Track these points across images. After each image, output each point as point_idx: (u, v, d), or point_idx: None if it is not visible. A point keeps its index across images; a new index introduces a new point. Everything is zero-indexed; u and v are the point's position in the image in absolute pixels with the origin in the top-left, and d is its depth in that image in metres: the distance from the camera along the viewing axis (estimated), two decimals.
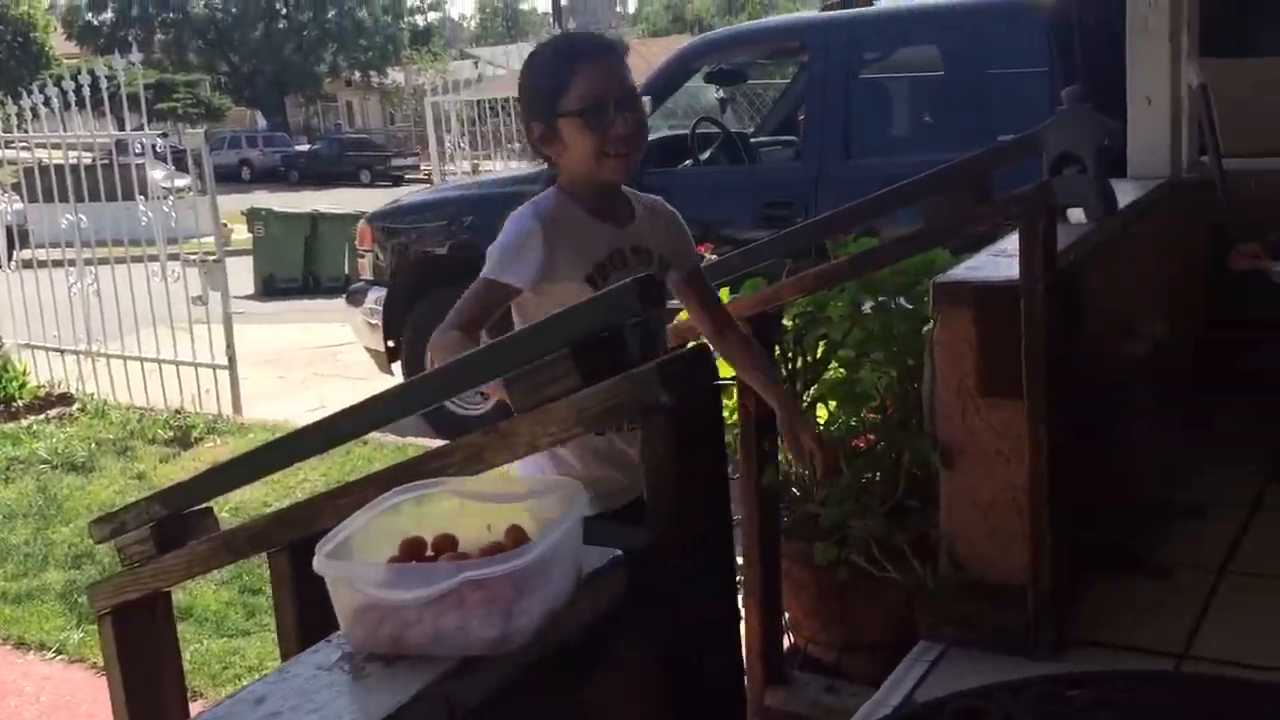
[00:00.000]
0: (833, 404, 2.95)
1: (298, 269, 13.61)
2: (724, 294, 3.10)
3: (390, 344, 6.31)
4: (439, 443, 2.05)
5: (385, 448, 5.52)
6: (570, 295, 1.80)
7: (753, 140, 6.59)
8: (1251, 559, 2.82)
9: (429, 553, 1.19)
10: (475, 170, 11.33)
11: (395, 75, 45.65)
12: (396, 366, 6.38)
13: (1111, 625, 2.55)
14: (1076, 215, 2.91)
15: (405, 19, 47.93)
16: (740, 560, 2.66)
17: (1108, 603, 2.64)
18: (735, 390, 2.65)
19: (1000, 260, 2.58)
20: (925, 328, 2.64)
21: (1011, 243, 2.53)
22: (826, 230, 2.74)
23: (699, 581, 1.34)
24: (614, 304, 1.31)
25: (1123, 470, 2.73)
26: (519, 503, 1.27)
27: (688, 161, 5.95)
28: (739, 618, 1.45)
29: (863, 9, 5.99)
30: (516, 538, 1.18)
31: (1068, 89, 2.80)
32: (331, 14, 44.02)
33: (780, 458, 2.80)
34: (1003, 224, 2.58)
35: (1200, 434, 3.38)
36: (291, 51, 43.73)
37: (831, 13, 5.81)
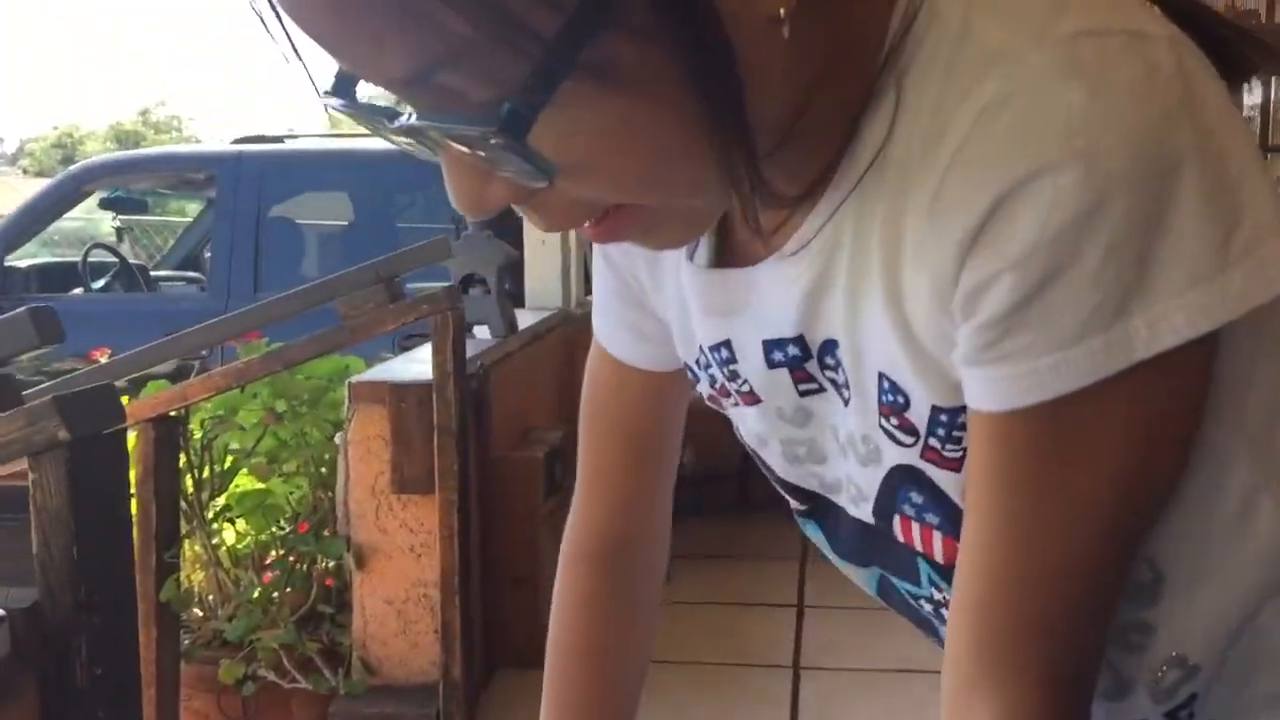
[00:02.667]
0: (241, 521, 2.83)
1: None
2: (125, 399, 2.91)
3: None
4: None
5: None
6: None
7: (153, 273, 6.29)
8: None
9: None
10: None
11: None
12: None
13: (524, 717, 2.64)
14: (483, 332, 3.10)
15: None
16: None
17: (522, 694, 2.73)
18: (136, 490, 2.45)
19: (413, 365, 2.66)
20: (338, 435, 2.64)
21: (423, 349, 2.63)
22: (237, 330, 2.67)
23: (94, 642, 1.22)
24: (3, 338, 1.19)
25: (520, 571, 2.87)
26: None
27: (78, 290, 5.54)
28: (139, 684, 1.33)
29: (275, 145, 6.00)
30: None
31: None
32: None
33: (184, 575, 2.62)
34: (414, 330, 2.67)
35: None
36: None
37: (243, 146, 5.76)
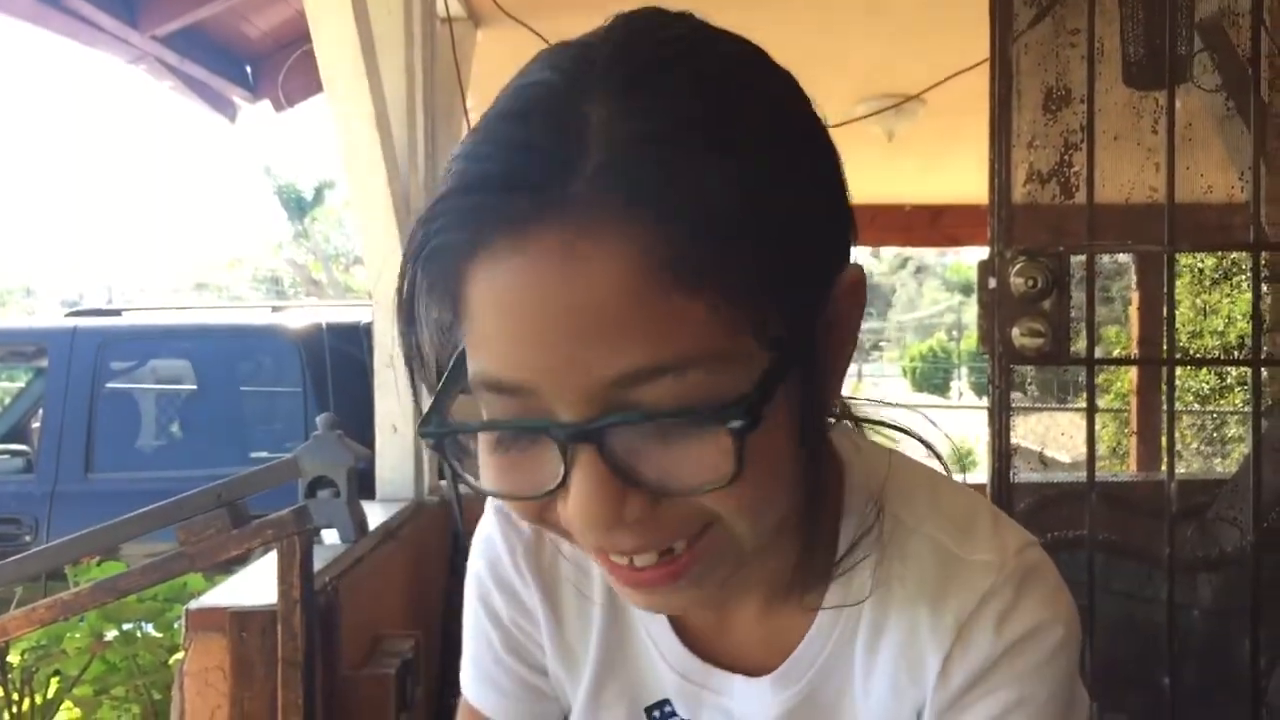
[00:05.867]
0: None
1: None
2: None
3: None
4: None
5: None
6: None
7: None
8: None
9: None
10: None
11: None
12: None
13: None
14: (331, 536, 2.99)
15: None
16: None
17: None
18: None
19: (257, 585, 2.54)
20: (174, 658, 2.49)
21: (268, 566, 2.51)
22: (65, 555, 2.51)
23: None
24: None
25: None
26: None
27: None
28: None
29: (111, 318, 5.81)
30: None
31: (321, 415, 2.92)
32: None
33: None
34: (257, 548, 2.55)
35: None
36: None
37: (78, 319, 5.55)
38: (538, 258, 0.55)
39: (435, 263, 0.59)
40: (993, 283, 2.68)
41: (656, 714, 0.79)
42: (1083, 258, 2.73)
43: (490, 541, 0.81)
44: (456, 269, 0.58)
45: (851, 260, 0.66)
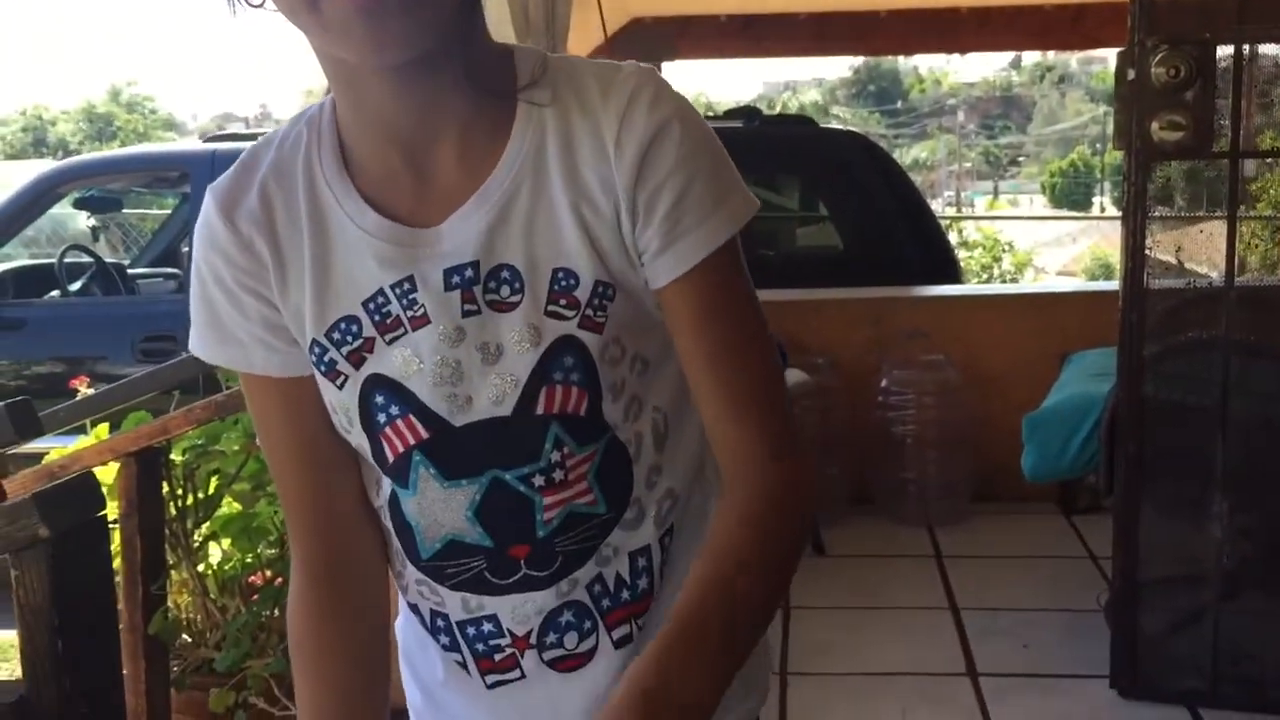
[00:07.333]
0: (227, 541, 2.83)
1: None
2: (101, 431, 2.90)
3: None
4: None
5: None
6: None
7: (130, 271, 6.24)
8: None
9: None
10: None
11: None
12: None
13: None
14: None
15: None
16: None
17: None
18: (119, 524, 2.45)
19: None
20: None
21: None
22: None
23: None
24: None
25: None
26: None
27: (55, 292, 5.49)
28: None
29: (247, 141, 5.95)
30: None
31: None
32: None
33: (170, 601, 2.62)
34: None
35: None
36: None
37: (216, 144, 5.71)
38: None
39: None
40: (1131, 74, 2.56)
41: (372, 306, 0.91)
42: (1230, 48, 2.58)
43: (209, 224, 0.94)
44: None
45: None
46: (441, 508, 0.94)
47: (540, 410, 0.91)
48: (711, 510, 0.97)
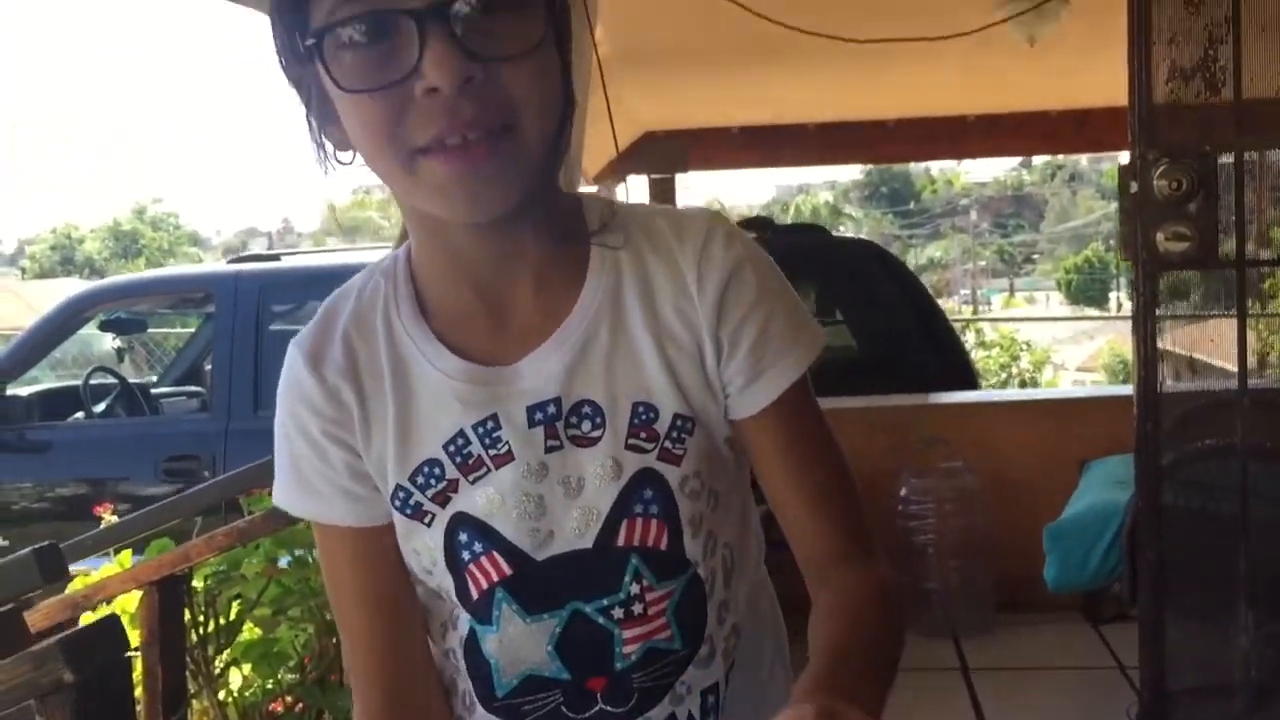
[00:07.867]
0: (248, 667, 2.83)
1: None
2: (125, 558, 2.92)
3: None
4: None
5: None
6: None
7: (154, 391, 6.32)
8: None
9: None
10: None
11: None
12: None
13: None
14: None
15: None
16: None
17: None
18: (141, 653, 2.45)
19: None
20: None
21: None
22: (239, 486, 2.69)
23: None
24: (8, 578, 1.21)
25: None
26: None
27: (79, 414, 5.56)
28: None
29: (270, 263, 6.07)
30: None
31: None
32: None
33: None
34: None
35: None
36: None
37: (239, 265, 5.82)
38: None
39: None
40: (1134, 186, 2.61)
41: (452, 448, 0.93)
42: (1230, 158, 2.63)
43: (296, 378, 0.96)
44: None
45: None
46: (523, 642, 0.94)
47: (621, 542, 0.93)
48: (765, 648, 1.03)
